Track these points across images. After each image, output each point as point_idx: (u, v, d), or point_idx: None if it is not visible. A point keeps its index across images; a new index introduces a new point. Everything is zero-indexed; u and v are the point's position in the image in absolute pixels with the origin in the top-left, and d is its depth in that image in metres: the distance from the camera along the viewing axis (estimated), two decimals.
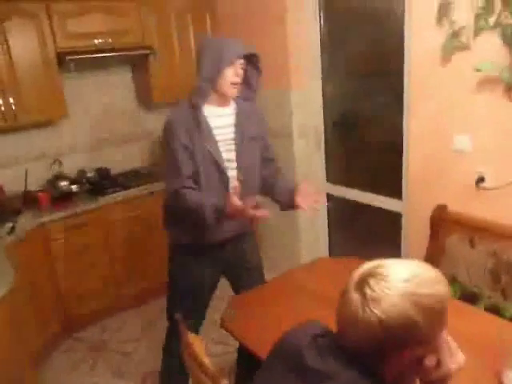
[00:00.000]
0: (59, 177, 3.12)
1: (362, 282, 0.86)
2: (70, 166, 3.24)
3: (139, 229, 3.12)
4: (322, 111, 3.09)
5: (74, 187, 3.09)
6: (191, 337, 1.47)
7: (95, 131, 3.38)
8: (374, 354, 0.86)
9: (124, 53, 3.05)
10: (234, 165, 1.91)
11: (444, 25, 2.08)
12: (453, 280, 2.19)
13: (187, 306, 2.04)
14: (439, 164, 2.29)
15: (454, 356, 0.90)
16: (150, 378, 2.54)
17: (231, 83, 1.83)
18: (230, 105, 1.93)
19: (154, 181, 3.22)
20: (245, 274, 2.13)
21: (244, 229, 2.05)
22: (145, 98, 3.46)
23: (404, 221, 2.62)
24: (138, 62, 3.34)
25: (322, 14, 2.92)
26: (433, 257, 2.32)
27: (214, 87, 1.84)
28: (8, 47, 2.66)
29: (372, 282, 0.85)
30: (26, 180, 3.00)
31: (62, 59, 2.83)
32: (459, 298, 2.06)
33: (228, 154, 1.90)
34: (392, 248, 2.75)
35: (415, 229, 2.48)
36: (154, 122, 3.54)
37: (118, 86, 3.42)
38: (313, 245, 3.32)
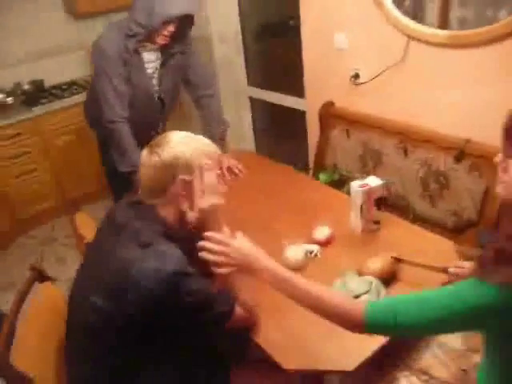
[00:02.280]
0: None
1: (152, 145, 1.21)
2: (7, 79, 3.39)
3: (75, 136, 3.36)
4: (239, 18, 3.21)
5: (9, 99, 3.27)
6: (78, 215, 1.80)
7: (26, 43, 3.46)
8: (160, 188, 1.18)
9: None
10: (157, 88, 2.21)
11: None
12: (334, 167, 2.52)
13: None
14: (325, 62, 2.50)
15: (208, 196, 1.21)
16: None
17: (161, 35, 2.00)
18: None
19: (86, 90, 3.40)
20: None
21: None
22: (71, 8, 3.50)
23: (307, 117, 2.88)
24: None
25: None
26: (321, 149, 2.62)
27: (144, 33, 1.98)
28: None
29: (157, 141, 1.21)
30: None
31: None
32: (337, 182, 2.38)
33: (154, 80, 2.18)
34: (303, 143, 3.04)
35: (314, 124, 2.75)
36: (84, 32, 3.62)
37: None
38: (240, 142, 3.60)
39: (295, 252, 1.53)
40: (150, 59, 2.13)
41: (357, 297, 1.32)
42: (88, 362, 1.14)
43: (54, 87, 3.53)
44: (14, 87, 3.41)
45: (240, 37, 3.27)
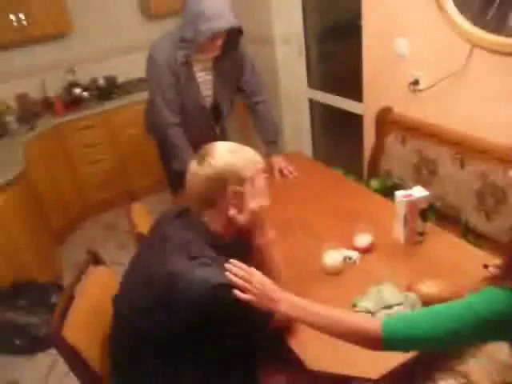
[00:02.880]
0: (73, 84, 3.57)
1: (200, 154, 1.26)
2: (84, 75, 3.67)
3: (141, 130, 3.55)
4: (303, 19, 3.23)
5: (85, 94, 3.55)
6: (135, 206, 1.93)
7: (103, 42, 3.73)
8: (209, 199, 1.22)
9: None
10: (211, 98, 2.30)
11: None
12: (387, 174, 2.48)
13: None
14: (385, 67, 2.46)
15: (258, 199, 1.25)
16: None
17: (210, 48, 2.06)
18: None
19: None
20: None
21: None
22: (146, 9, 3.72)
23: (364, 122, 2.85)
24: None
25: None
26: (375, 154, 2.59)
27: (192, 47, 2.04)
28: None
29: (205, 151, 1.26)
30: (44, 88, 3.49)
31: None
32: (390, 189, 2.35)
33: (207, 91, 2.26)
34: (359, 147, 3.01)
35: (370, 129, 2.72)
36: (156, 33, 3.79)
37: None
38: (298, 144, 3.63)
39: (333, 257, 1.55)
40: (202, 70, 2.19)
41: (389, 307, 1.32)
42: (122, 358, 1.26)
43: (125, 83, 3.77)
44: (90, 82, 3.68)
45: (303, 38, 3.29)
